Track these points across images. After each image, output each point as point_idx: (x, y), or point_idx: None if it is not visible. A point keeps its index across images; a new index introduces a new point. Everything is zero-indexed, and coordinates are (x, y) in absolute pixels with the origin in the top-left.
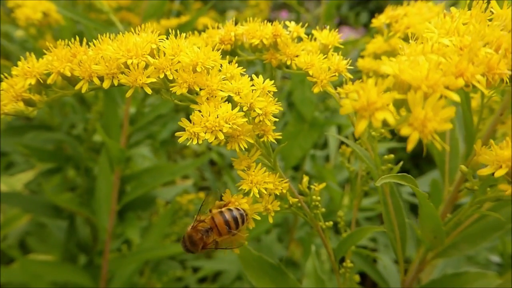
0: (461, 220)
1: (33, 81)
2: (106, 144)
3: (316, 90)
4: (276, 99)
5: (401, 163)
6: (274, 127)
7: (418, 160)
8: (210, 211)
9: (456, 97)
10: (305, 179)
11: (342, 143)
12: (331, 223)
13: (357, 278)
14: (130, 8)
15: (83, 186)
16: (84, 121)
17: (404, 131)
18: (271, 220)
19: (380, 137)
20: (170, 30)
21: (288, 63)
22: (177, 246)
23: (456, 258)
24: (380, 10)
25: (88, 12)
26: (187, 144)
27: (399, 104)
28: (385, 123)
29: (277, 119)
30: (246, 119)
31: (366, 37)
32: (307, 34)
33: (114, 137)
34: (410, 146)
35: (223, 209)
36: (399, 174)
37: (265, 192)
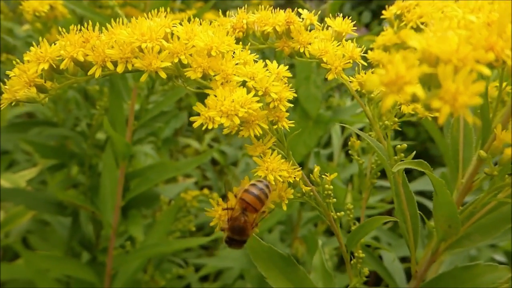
0: (476, 208)
1: (46, 66)
2: (112, 139)
3: (330, 77)
4: (291, 85)
5: (414, 153)
6: (288, 114)
7: (420, 159)
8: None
9: (487, 71)
10: (317, 168)
11: (346, 141)
12: (342, 213)
13: (366, 271)
14: (135, 5)
15: (87, 183)
16: (88, 116)
17: (435, 104)
18: (285, 208)
19: (393, 126)
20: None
21: (301, 50)
22: (181, 243)
23: (460, 257)
24: (382, 10)
25: (93, 7)
26: (203, 128)
27: (426, 81)
28: (414, 98)
29: (291, 105)
30: (261, 104)
31: (369, 35)
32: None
33: (120, 132)
34: (442, 119)
35: (247, 187)
36: (415, 160)
37: (280, 180)
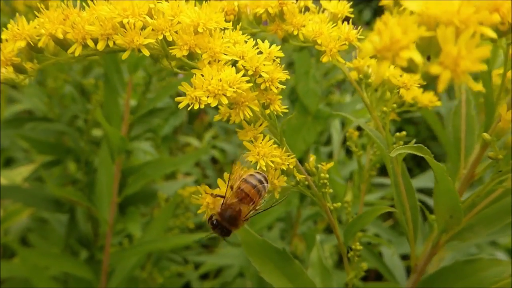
0: (479, 196)
1: (23, 44)
2: (107, 133)
3: (325, 59)
4: (283, 65)
5: (414, 140)
6: (280, 97)
7: (420, 159)
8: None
9: (492, 33)
10: (312, 158)
11: (346, 138)
12: (339, 204)
13: (364, 265)
14: None
15: (84, 179)
16: (84, 112)
17: (434, 69)
18: (277, 196)
19: (391, 112)
20: None
21: (295, 33)
22: (179, 239)
23: (460, 254)
24: (383, 8)
25: None
26: (195, 108)
27: (424, 49)
28: (411, 66)
29: (283, 86)
30: (251, 84)
31: (368, 32)
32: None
33: (115, 126)
34: (442, 86)
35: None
36: (414, 145)
37: (272, 165)
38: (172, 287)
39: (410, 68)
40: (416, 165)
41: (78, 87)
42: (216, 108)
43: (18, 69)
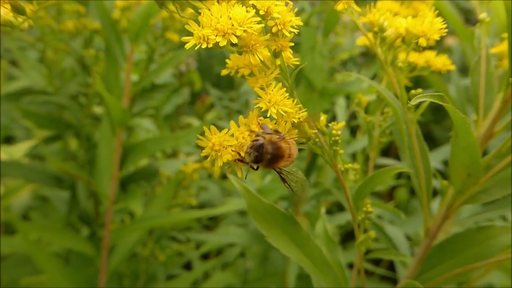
0: (501, 152)
1: None
2: (107, 105)
3: (340, 7)
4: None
5: (428, 101)
6: (292, 44)
7: (427, 140)
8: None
9: None
10: (323, 117)
11: (350, 117)
12: (349, 164)
13: (373, 234)
14: None
15: (85, 155)
16: (85, 85)
17: None
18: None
19: (408, 69)
20: None
21: None
22: (181, 214)
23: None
24: None
25: None
26: (203, 47)
27: None
28: None
29: (297, 31)
30: (262, 25)
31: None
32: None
33: (116, 99)
34: (441, 64)
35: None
36: (435, 94)
37: (284, 115)
38: (173, 266)
39: None
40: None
41: (79, 60)
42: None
43: (17, 10)
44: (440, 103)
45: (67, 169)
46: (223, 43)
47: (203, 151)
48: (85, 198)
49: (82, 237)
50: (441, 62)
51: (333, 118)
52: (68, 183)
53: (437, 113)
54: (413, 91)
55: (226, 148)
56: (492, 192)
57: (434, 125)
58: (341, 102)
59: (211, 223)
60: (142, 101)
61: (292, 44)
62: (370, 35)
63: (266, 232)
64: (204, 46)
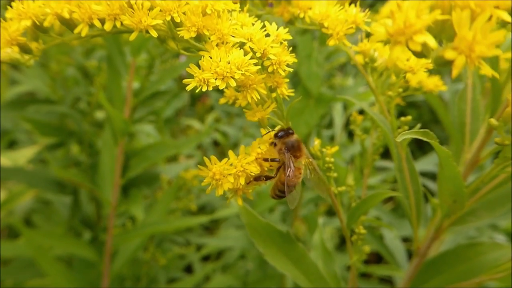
0: (484, 182)
1: (28, 23)
2: (109, 115)
3: (331, 42)
4: (290, 49)
5: (419, 125)
6: (287, 80)
7: (422, 142)
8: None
9: (508, 17)
10: (317, 142)
11: (348, 121)
12: (343, 187)
13: (367, 249)
14: None
15: (87, 161)
16: (87, 94)
17: (449, 54)
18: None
19: (397, 96)
20: None
21: (301, 16)
22: (182, 221)
23: (461, 237)
24: None
25: None
26: (204, 90)
27: (437, 33)
28: (425, 49)
29: (291, 69)
30: (259, 67)
31: (371, 14)
32: None
33: (118, 109)
34: (456, 72)
35: None
36: (420, 130)
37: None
38: (175, 269)
39: (422, 52)
40: (418, 148)
41: (81, 70)
42: (218, 91)
43: (23, 49)
44: (425, 139)
45: (69, 177)
46: (222, 86)
47: (204, 181)
48: (87, 203)
49: (84, 243)
50: (433, 83)
51: (330, 122)
52: (70, 188)
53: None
54: (402, 118)
55: (226, 177)
56: (479, 214)
57: (434, 125)
58: (338, 107)
59: (212, 225)
60: (143, 108)
61: (287, 80)
62: (360, 58)
63: (263, 250)
64: (204, 89)
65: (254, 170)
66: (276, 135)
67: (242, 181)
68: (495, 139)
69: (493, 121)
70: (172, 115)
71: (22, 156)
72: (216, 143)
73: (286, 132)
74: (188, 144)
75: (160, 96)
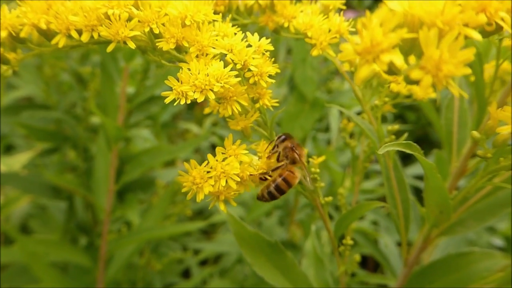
0: (470, 193)
1: (4, 34)
2: (103, 123)
3: (315, 53)
4: (273, 59)
5: (406, 135)
6: (270, 91)
7: (421, 145)
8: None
9: (477, 36)
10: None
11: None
12: (330, 198)
13: (357, 258)
14: None
15: (82, 166)
16: (81, 99)
17: (415, 74)
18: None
19: (383, 105)
20: None
21: (286, 25)
22: (177, 227)
23: (457, 241)
24: None
25: None
26: (182, 103)
27: (407, 50)
28: (391, 68)
29: (273, 81)
30: (239, 79)
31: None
32: None
33: (111, 115)
34: (422, 93)
35: None
36: (404, 142)
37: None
38: (171, 274)
39: (391, 70)
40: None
41: (76, 75)
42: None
43: (1, 60)
44: (409, 152)
45: (63, 183)
46: (200, 99)
47: (183, 188)
48: (83, 208)
49: (80, 249)
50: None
51: (328, 126)
52: (66, 194)
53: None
54: (389, 127)
55: (206, 181)
56: (467, 224)
57: (432, 128)
58: (334, 111)
59: (210, 228)
60: (139, 113)
61: (270, 91)
62: (347, 66)
63: (251, 260)
64: (182, 102)
65: (235, 171)
66: (279, 137)
67: (222, 183)
68: (478, 152)
69: (476, 133)
70: (169, 119)
71: (17, 161)
72: (213, 147)
73: (286, 136)
74: (184, 149)
75: (156, 101)
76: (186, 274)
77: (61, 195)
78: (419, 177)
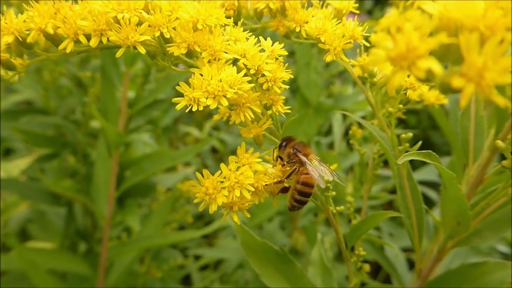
0: (489, 204)
1: (11, 39)
2: (104, 128)
3: (329, 58)
4: (286, 65)
5: (420, 143)
6: (283, 97)
7: (422, 148)
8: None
9: None
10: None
11: (347, 130)
12: (342, 207)
13: (367, 267)
14: None
15: (82, 172)
16: (81, 104)
17: (457, 82)
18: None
19: (397, 113)
20: None
21: (297, 30)
22: (177, 235)
23: (464, 248)
24: None
25: None
26: (186, 111)
27: (442, 56)
28: (429, 76)
29: (287, 86)
30: (253, 85)
31: (369, 21)
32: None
33: (112, 121)
34: (465, 101)
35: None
36: (423, 152)
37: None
38: (172, 280)
39: (427, 78)
40: None
41: (75, 79)
42: None
43: (7, 66)
44: (428, 161)
45: (61, 191)
46: (213, 105)
47: (196, 199)
48: (82, 214)
49: (79, 258)
50: (434, 96)
51: (329, 129)
52: (65, 200)
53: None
54: (403, 135)
55: (220, 192)
56: (483, 235)
57: (433, 131)
58: (337, 116)
59: (210, 233)
60: (140, 117)
61: (283, 97)
62: (358, 70)
63: (259, 270)
64: (194, 108)
65: (249, 181)
66: (280, 146)
67: (237, 193)
68: (502, 162)
69: (500, 143)
70: (170, 123)
71: (16, 166)
72: (214, 150)
73: (288, 138)
74: (186, 155)
75: (157, 106)
76: (186, 279)
77: (60, 201)
78: (423, 183)
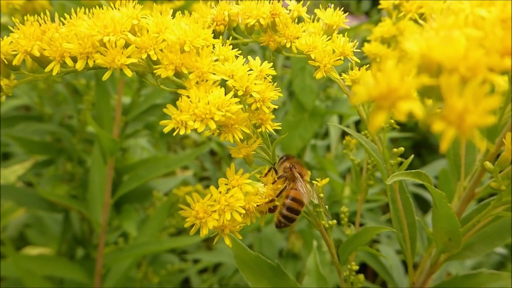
0: (479, 221)
1: None
2: (98, 135)
3: (319, 75)
4: (276, 83)
5: (412, 157)
6: (273, 116)
7: (420, 149)
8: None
9: (503, 83)
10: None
11: (345, 133)
12: (334, 221)
13: (361, 277)
14: None
15: (78, 178)
16: (76, 111)
17: (437, 126)
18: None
19: (389, 128)
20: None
21: (288, 45)
22: (174, 241)
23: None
24: None
25: None
26: (181, 134)
27: (424, 92)
28: (410, 116)
29: (276, 106)
30: (241, 106)
31: (367, 24)
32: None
33: (107, 128)
34: (445, 145)
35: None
36: (413, 171)
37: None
38: (170, 284)
39: (410, 117)
40: (415, 156)
41: (70, 86)
42: None
43: None
44: (418, 181)
45: (56, 199)
46: (201, 128)
47: (186, 223)
48: (78, 220)
49: (75, 265)
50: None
51: (327, 132)
52: (61, 206)
53: None
54: (395, 150)
55: (210, 215)
56: (475, 248)
57: (431, 134)
58: (334, 119)
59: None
60: (136, 122)
61: (273, 116)
62: (349, 81)
63: (252, 284)
64: (182, 132)
65: (240, 203)
66: (280, 159)
67: (227, 217)
68: (491, 184)
69: (489, 164)
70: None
71: (13, 172)
72: (213, 153)
73: (290, 156)
74: (183, 161)
75: (153, 111)
76: (186, 282)
77: (56, 208)
78: (419, 185)
